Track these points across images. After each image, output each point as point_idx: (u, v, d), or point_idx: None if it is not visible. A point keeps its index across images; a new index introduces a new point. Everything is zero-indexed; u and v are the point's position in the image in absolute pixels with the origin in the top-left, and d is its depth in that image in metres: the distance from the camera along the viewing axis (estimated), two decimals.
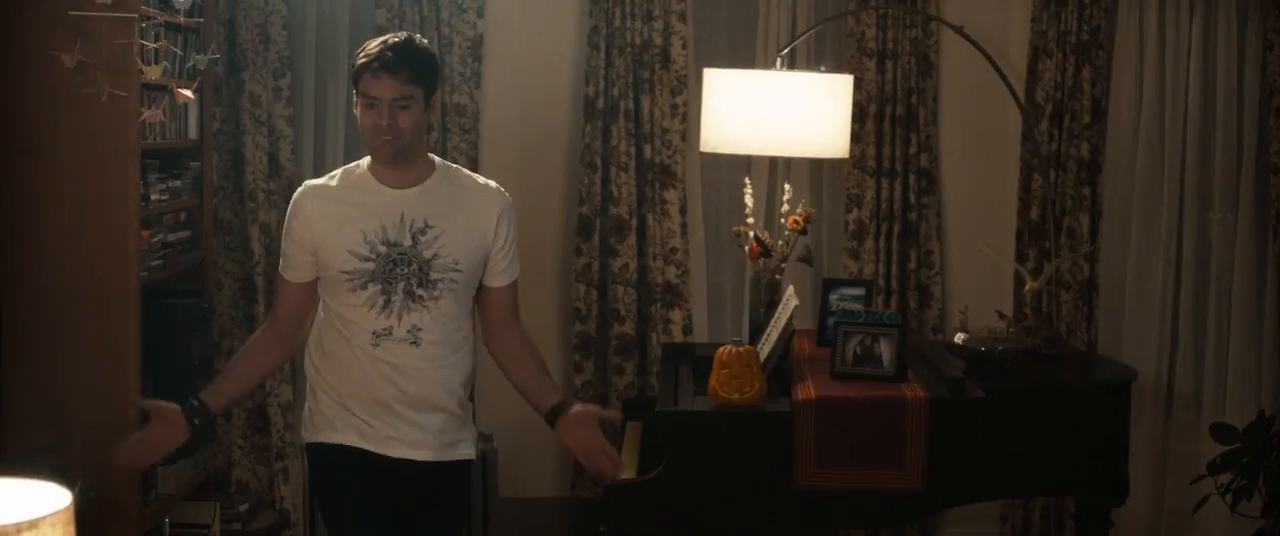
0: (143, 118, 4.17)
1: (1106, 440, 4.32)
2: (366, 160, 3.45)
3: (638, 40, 5.15)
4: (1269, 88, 5.22)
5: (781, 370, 4.16)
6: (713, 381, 3.93)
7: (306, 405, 3.52)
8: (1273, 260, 5.29)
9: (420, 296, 3.34)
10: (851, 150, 4.92)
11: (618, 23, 5.14)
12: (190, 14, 4.49)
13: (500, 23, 5.23)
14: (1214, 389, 5.38)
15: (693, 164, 5.29)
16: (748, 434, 3.91)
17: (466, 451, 3.52)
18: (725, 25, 5.43)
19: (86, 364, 4.16)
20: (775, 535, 3.92)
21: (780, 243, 4.61)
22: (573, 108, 5.29)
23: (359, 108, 3.34)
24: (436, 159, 3.47)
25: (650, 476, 3.88)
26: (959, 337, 4.57)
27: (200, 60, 4.43)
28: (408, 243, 3.34)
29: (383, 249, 3.33)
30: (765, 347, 4.13)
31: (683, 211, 5.22)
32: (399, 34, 3.37)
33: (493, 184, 3.51)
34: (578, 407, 3.49)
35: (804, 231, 4.59)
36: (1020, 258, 5.28)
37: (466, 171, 3.56)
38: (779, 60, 4.80)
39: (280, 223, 3.86)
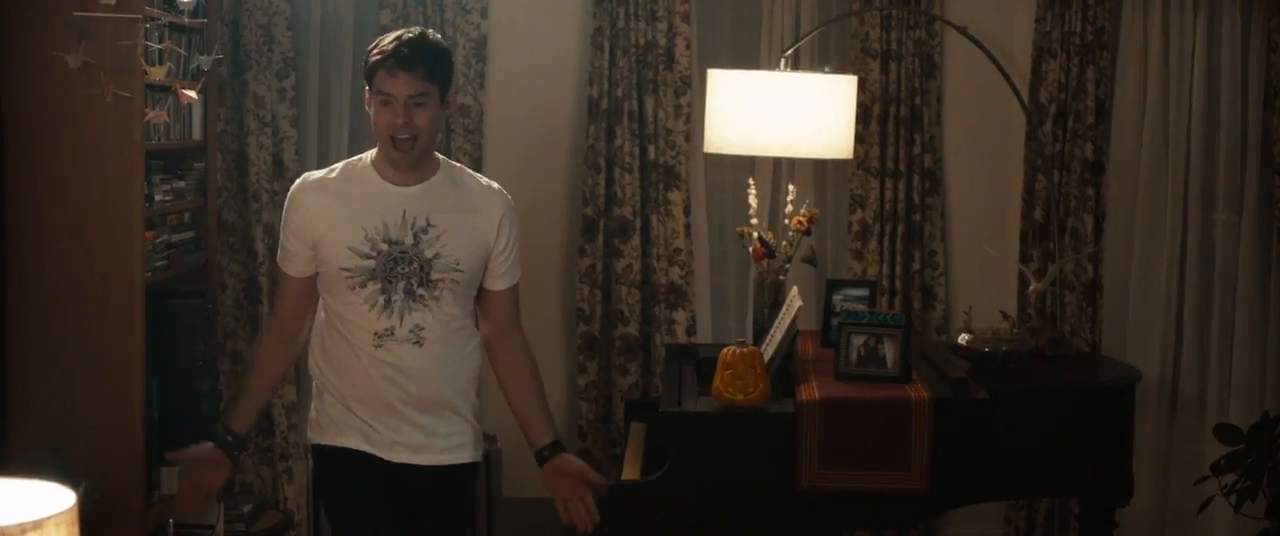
0: (147, 118, 4.17)
1: (1110, 441, 4.32)
2: (369, 155, 3.41)
3: (641, 41, 5.15)
4: (1273, 88, 5.21)
5: (785, 371, 4.15)
6: (716, 382, 3.93)
7: (313, 405, 3.51)
8: (1277, 261, 5.29)
9: (421, 296, 3.31)
10: (855, 151, 4.91)
11: (621, 23, 5.14)
12: (194, 14, 4.49)
13: (504, 23, 5.23)
14: (1218, 389, 5.38)
15: (696, 165, 5.29)
16: (751, 434, 3.90)
17: (471, 454, 3.50)
18: (729, 26, 5.43)
19: (90, 364, 4.16)
20: None
21: (784, 243, 4.61)
22: (577, 108, 5.30)
23: (372, 105, 3.30)
24: (441, 157, 3.44)
25: (654, 477, 3.88)
26: (963, 338, 4.56)
27: (204, 61, 4.43)
28: (409, 241, 3.30)
29: (384, 247, 3.30)
30: (769, 348, 4.13)
31: (686, 212, 5.22)
32: (413, 29, 3.33)
33: (495, 185, 3.49)
34: (571, 461, 3.50)
35: (808, 232, 4.59)
36: (1024, 258, 5.27)
37: (470, 171, 3.54)
38: (783, 61, 4.80)
39: None
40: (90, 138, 4.10)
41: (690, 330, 5.24)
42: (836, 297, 4.61)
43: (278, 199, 5.04)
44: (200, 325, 4.66)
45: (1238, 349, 5.34)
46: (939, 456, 3.89)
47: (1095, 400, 4.37)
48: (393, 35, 3.30)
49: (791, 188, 4.76)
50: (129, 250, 4.15)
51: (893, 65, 5.23)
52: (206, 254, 4.86)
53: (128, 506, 4.18)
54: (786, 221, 4.64)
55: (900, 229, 5.27)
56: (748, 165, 5.21)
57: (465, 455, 3.48)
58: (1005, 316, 4.76)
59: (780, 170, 5.33)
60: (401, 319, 3.31)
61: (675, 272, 5.22)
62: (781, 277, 4.58)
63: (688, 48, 5.18)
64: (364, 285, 3.30)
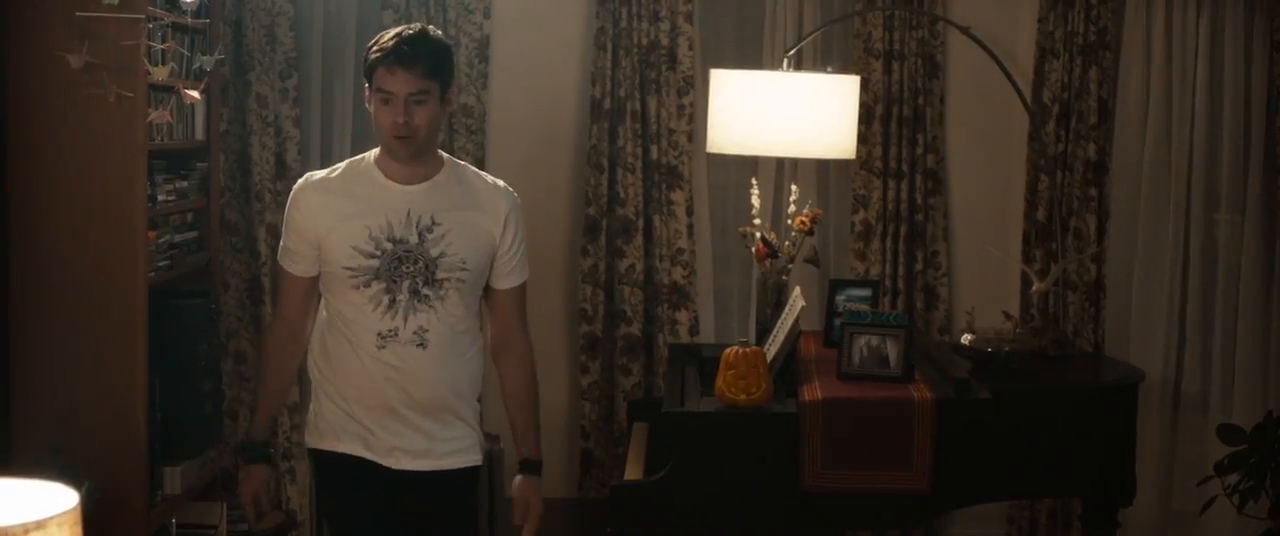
0: (149, 118, 4.17)
1: (1113, 441, 4.31)
2: (372, 153, 3.38)
3: (644, 41, 5.15)
4: (1276, 89, 5.21)
5: (788, 371, 4.15)
6: (719, 382, 3.93)
7: (311, 407, 3.48)
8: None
9: (426, 296, 3.28)
10: (858, 151, 4.92)
11: (624, 24, 5.14)
12: (197, 15, 4.49)
13: (507, 24, 5.23)
14: (1221, 390, 5.37)
15: (699, 165, 5.29)
16: (754, 435, 3.90)
17: (473, 458, 3.47)
18: (732, 26, 5.43)
19: (93, 364, 4.15)
20: None
21: (787, 243, 4.61)
22: (579, 109, 5.30)
23: (372, 102, 3.28)
24: (445, 155, 3.42)
25: (657, 477, 3.88)
26: (965, 338, 4.56)
27: (207, 61, 4.42)
28: (414, 240, 3.28)
29: (388, 246, 3.27)
30: (772, 348, 4.13)
31: (689, 212, 5.22)
32: (413, 26, 3.30)
33: (501, 183, 3.46)
34: (529, 490, 3.51)
35: (811, 232, 4.59)
36: (1027, 258, 5.27)
37: (475, 169, 3.51)
38: (785, 61, 4.80)
39: None
40: (93, 138, 4.10)
41: (693, 330, 5.24)
42: (839, 298, 4.61)
43: (280, 199, 5.03)
44: (203, 325, 4.65)
45: (1240, 349, 5.34)
46: (942, 456, 3.89)
47: (1098, 400, 4.37)
48: (393, 32, 3.27)
49: (794, 188, 4.77)
50: (132, 250, 4.15)
51: (895, 65, 5.22)
52: (209, 254, 4.85)
53: (130, 506, 4.18)
54: (789, 221, 4.64)
55: (903, 229, 5.27)
56: (750, 165, 5.21)
57: (466, 459, 3.45)
58: (1008, 316, 4.76)
59: (783, 170, 5.33)
60: (405, 320, 3.28)
61: (678, 273, 5.22)
62: (784, 278, 4.58)
63: (690, 48, 5.18)
64: (368, 284, 3.27)
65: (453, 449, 3.41)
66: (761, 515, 3.88)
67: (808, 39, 5.13)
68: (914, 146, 5.26)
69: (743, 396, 3.89)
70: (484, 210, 3.38)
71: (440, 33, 3.40)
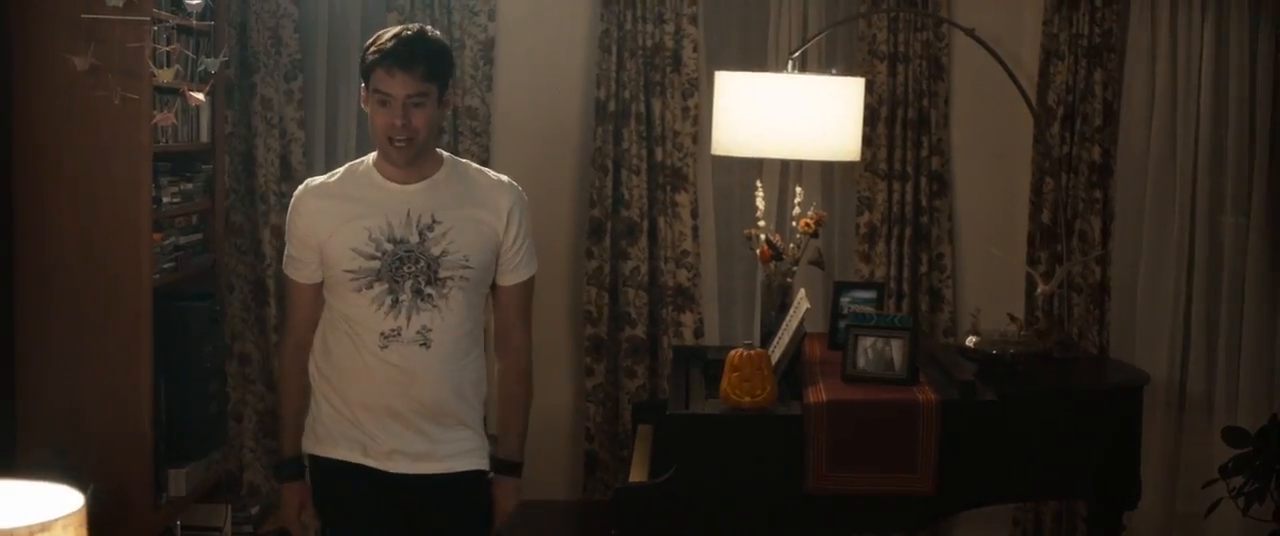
0: (155, 120, 4.18)
1: (1118, 443, 4.31)
2: (371, 156, 3.35)
3: (649, 43, 5.15)
4: None
5: (793, 373, 4.15)
6: (724, 384, 3.93)
7: (310, 411, 3.42)
8: None
9: (429, 295, 3.24)
10: (863, 153, 4.91)
11: (629, 26, 5.15)
12: (202, 17, 4.50)
13: (512, 26, 5.23)
14: (1226, 392, 5.37)
15: (704, 167, 5.29)
16: (759, 437, 3.90)
17: (475, 461, 3.39)
18: (736, 28, 5.43)
19: (99, 366, 4.16)
20: None
21: (791, 246, 4.61)
22: (584, 110, 5.30)
23: (369, 104, 3.23)
24: (445, 154, 3.37)
25: (661, 479, 3.88)
26: (970, 341, 4.56)
27: (212, 63, 4.43)
28: (415, 239, 3.24)
29: (389, 246, 3.23)
30: (777, 351, 4.13)
31: (694, 214, 5.22)
32: (411, 26, 3.24)
33: (504, 178, 3.40)
34: (506, 493, 3.47)
35: (815, 234, 4.59)
36: (1032, 261, 5.27)
37: (475, 166, 3.45)
38: (790, 63, 4.80)
39: None
40: (98, 140, 4.11)
41: (697, 332, 5.24)
42: (844, 300, 4.61)
43: (285, 201, 5.02)
44: (208, 327, 4.67)
45: (1246, 351, 5.33)
46: (946, 459, 3.89)
47: (1103, 403, 4.37)
48: (391, 32, 3.22)
49: (799, 190, 4.76)
50: (137, 252, 4.16)
51: (900, 67, 5.22)
52: (214, 256, 4.86)
53: (135, 508, 4.19)
54: (794, 223, 4.64)
55: (908, 231, 5.27)
56: (755, 167, 5.21)
57: (468, 462, 3.38)
58: (1013, 319, 4.76)
59: (788, 172, 5.33)
60: (408, 319, 3.25)
61: (682, 275, 5.22)
62: (789, 280, 4.58)
63: (695, 50, 5.18)
64: (370, 286, 3.24)
65: (454, 452, 3.35)
66: (766, 517, 3.88)
67: (812, 41, 5.13)
68: (919, 148, 5.26)
69: (747, 398, 3.89)
70: (486, 206, 3.33)
71: (439, 33, 3.36)
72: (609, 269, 5.23)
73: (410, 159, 3.25)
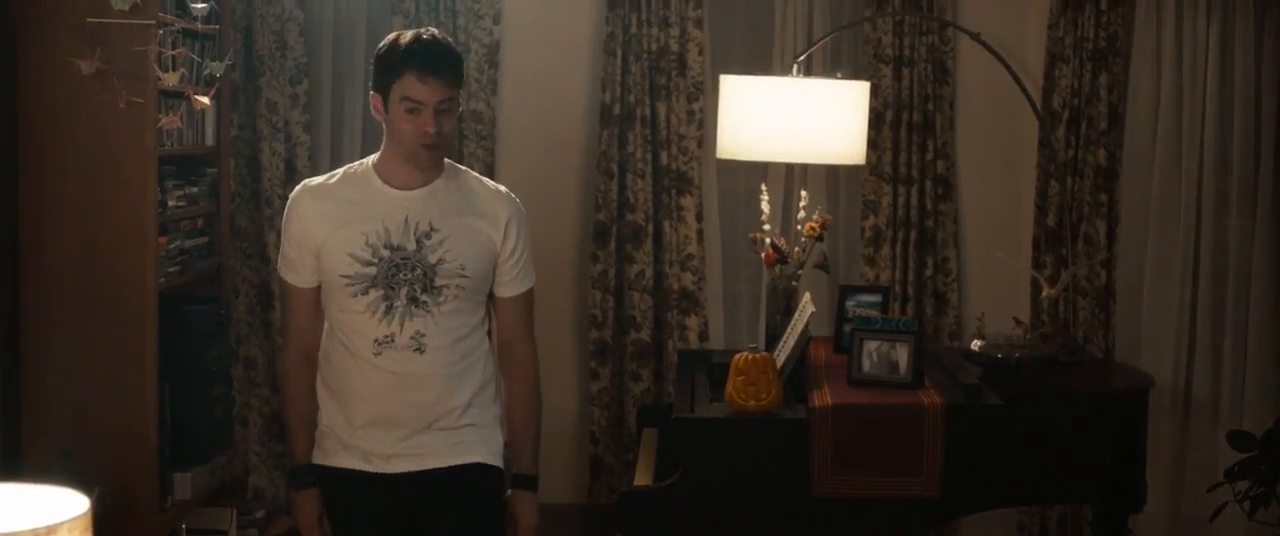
0: (160, 124, 4.18)
1: (1123, 447, 4.31)
2: (370, 159, 3.32)
3: (654, 47, 5.15)
4: None
5: (798, 377, 4.15)
6: (729, 388, 3.93)
7: (319, 422, 3.39)
8: None
9: (424, 302, 3.21)
10: (868, 157, 4.91)
11: (634, 29, 5.15)
12: (207, 21, 4.50)
13: (517, 30, 5.24)
14: (1232, 395, 5.36)
15: (709, 170, 5.29)
16: (764, 441, 3.90)
17: (481, 454, 3.33)
18: (741, 31, 5.43)
19: (104, 369, 4.16)
20: None
21: (796, 249, 4.61)
22: (589, 114, 5.30)
23: (394, 111, 3.18)
24: (445, 160, 3.34)
25: (666, 483, 3.88)
26: (975, 344, 4.56)
27: (217, 67, 4.43)
28: (412, 246, 3.21)
29: (385, 253, 3.20)
30: (782, 354, 4.13)
31: (699, 218, 5.22)
32: (427, 30, 3.21)
33: (502, 188, 3.38)
34: (524, 507, 3.43)
35: (820, 238, 4.58)
36: (1037, 264, 5.27)
37: (475, 175, 3.42)
38: (795, 67, 4.80)
39: None
40: (104, 143, 4.11)
41: (702, 336, 5.23)
42: (849, 303, 4.60)
43: None
44: (213, 330, 4.67)
45: (1251, 354, 5.33)
46: (951, 462, 3.88)
47: (1108, 406, 4.37)
48: (409, 37, 3.18)
49: (804, 193, 4.76)
50: (142, 256, 4.16)
51: (905, 71, 5.22)
52: (219, 259, 4.86)
53: (141, 511, 4.18)
54: (799, 227, 4.64)
55: (913, 235, 5.27)
56: (760, 171, 5.20)
57: (472, 455, 3.33)
58: (1018, 322, 4.76)
59: (793, 176, 5.33)
60: (401, 325, 3.21)
61: (688, 278, 5.22)
62: (794, 283, 4.57)
63: (700, 53, 5.18)
64: (366, 292, 3.21)
65: (457, 449, 3.31)
66: (771, 521, 3.87)
67: (817, 45, 5.13)
68: (924, 152, 5.25)
69: (752, 402, 3.89)
70: (484, 216, 3.30)
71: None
72: (614, 273, 5.23)
73: (435, 162, 3.24)
